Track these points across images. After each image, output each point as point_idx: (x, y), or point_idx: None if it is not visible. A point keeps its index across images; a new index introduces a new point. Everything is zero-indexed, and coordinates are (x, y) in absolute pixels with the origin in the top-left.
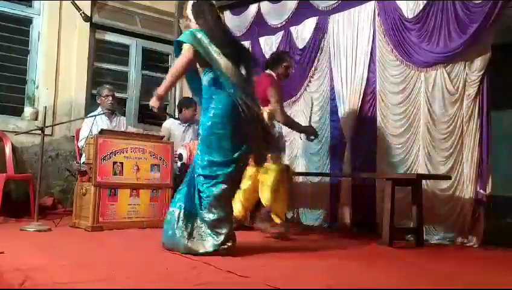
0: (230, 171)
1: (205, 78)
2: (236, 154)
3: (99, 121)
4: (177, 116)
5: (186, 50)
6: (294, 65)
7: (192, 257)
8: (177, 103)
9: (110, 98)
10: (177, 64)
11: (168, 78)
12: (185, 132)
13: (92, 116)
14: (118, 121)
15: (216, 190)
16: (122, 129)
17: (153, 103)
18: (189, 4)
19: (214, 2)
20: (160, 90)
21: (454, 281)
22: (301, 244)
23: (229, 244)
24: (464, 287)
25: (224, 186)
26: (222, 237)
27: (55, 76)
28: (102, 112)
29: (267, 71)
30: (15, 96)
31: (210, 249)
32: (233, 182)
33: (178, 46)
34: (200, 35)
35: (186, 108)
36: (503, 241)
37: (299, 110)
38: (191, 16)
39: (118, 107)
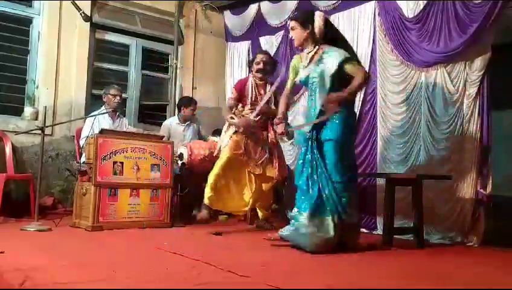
0: None
1: None
2: None
3: (102, 121)
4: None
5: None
6: (265, 57)
7: (192, 256)
8: (177, 102)
9: (118, 97)
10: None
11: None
12: (185, 130)
13: (95, 115)
14: (121, 122)
15: None
16: (124, 130)
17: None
18: (320, 16)
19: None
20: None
21: (454, 281)
22: None
23: None
24: (464, 287)
25: None
26: None
27: (55, 76)
28: (105, 111)
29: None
30: (15, 96)
31: None
32: None
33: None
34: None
35: (185, 107)
36: (503, 241)
37: (299, 110)
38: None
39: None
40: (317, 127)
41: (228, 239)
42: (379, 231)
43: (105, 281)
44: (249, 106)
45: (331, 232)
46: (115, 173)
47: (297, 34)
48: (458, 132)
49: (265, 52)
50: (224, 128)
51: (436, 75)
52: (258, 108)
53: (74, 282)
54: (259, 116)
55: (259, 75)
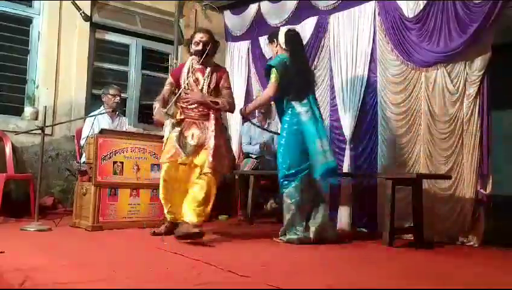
0: None
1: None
2: None
3: (101, 120)
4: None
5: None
6: (205, 36)
7: (192, 256)
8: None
9: (117, 97)
10: None
11: None
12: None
13: (95, 115)
14: (120, 122)
15: None
16: (124, 130)
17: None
18: (282, 32)
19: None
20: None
21: (454, 281)
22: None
23: None
24: (464, 287)
25: None
26: None
27: (55, 76)
28: (104, 111)
29: None
30: (15, 96)
31: None
32: None
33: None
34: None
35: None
36: (503, 241)
37: None
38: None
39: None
40: None
41: (228, 239)
42: (379, 230)
43: (105, 281)
44: (182, 94)
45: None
46: (115, 173)
47: (269, 48)
48: (458, 131)
49: (206, 31)
50: (166, 132)
51: (436, 75)
52: (194, 96)
53: (74, 282)
54: (194, 106)
55: (197, 57)
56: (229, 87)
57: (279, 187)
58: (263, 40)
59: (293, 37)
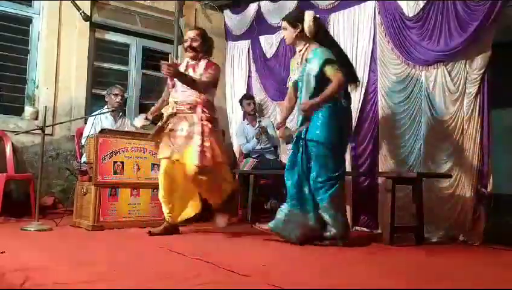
0: None
1: None
2: None
3: (104, 120)
4: None
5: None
6: (193, 33)
7: (192, 255)
8: None
9: (120, 97)
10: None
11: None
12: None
13: (96, 114)
14: (123, 122)
15: None
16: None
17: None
18: (309, 15)
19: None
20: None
21: (454, 280)
22: None
23: None
24: (465, 287)
25: None
26: None
27: (55, 75)
28: (105, 111)
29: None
30: (15, 95)
31: None
32: None
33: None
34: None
35: None
36: (503, 240)
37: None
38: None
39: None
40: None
41: (228, 238)
42: (379, 229)
43: (105, 281)
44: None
45: (313, 225)
46: (115, 173)
47: (288, 33)
48: (458, 130)
49: (195, 28)
50: (137, 123)
51: (437, 73)
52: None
53: (74, 282)
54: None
55: (188, 54)
56: (210, 76)
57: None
58: (263, 39)
59: (321, 23)
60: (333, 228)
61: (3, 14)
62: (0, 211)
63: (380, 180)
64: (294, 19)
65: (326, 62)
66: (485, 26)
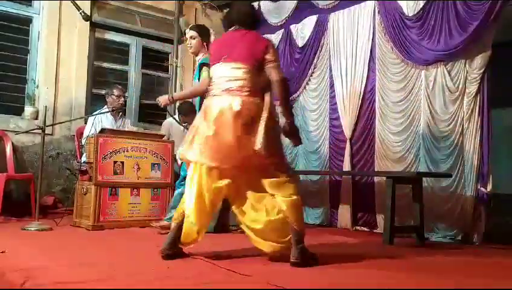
0: None
1: None
2: None
3: (104, 120)
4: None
5: None
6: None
7: (192, 255)
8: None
9: (122, 98)
10: None
11: None
12: (185, 131)
13: (97, 114)
14: (123, 122)
15: None
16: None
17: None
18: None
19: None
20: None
21: (455, 280)
22: None
23: None
24: (465, 287)
25: None
26: None
27: (55, 75)
28: (105, 111)
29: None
30: (15, 95)
31: None
32: None
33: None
34: None
35: (185, 116)
36: (504, 239)
37: (299, 108)
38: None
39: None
40: None
41: (229, 238)
42: (379, 229)
43: (105, 281)
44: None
45: None
46: (115, 173)
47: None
48: (458, 130)
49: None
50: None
51: (436, 73)
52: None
53: (74, 282)
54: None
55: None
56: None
57: None
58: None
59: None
60: None
61: (4, 14)
62: (0, 211)
63: (380, 179)
64: (204, 33)
65: (201, 67)
66: (485, 26)
